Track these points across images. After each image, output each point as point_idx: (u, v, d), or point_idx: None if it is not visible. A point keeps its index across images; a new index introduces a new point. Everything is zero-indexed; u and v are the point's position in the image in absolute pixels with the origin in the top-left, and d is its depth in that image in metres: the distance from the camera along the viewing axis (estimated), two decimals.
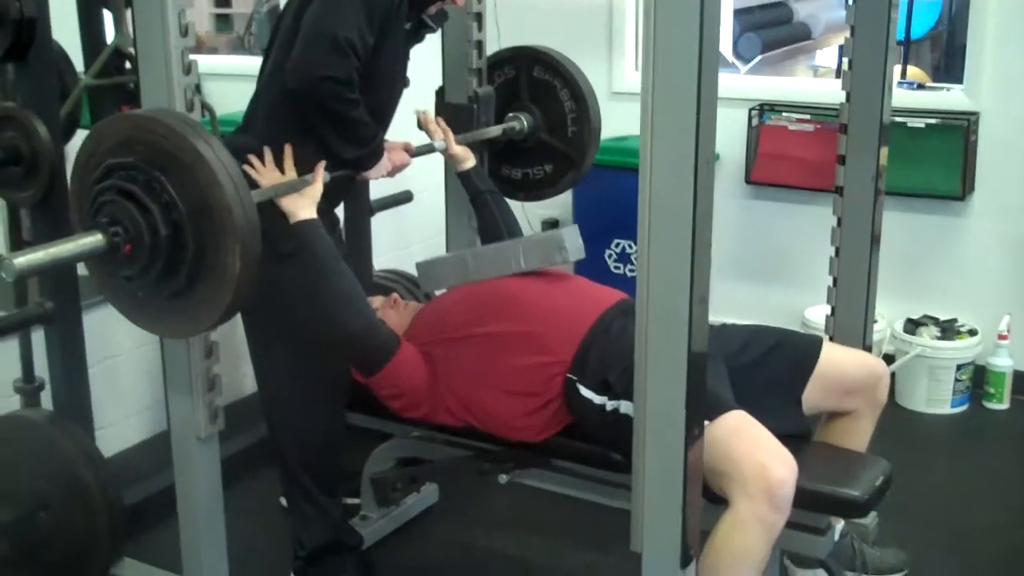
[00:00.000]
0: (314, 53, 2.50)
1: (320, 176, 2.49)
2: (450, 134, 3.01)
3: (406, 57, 2.82)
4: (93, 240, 2.04)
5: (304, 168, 2.52)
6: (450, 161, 3.05)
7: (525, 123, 3.29)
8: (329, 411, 2.80)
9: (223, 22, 6.20)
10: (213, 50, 5.87)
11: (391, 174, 2.84)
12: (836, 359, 2.57)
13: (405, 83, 2.92)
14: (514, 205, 3.67)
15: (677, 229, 1.88)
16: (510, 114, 3.30)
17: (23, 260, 1.95)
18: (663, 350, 1.93)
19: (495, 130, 3.24)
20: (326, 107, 2.56)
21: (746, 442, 2.19)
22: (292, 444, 2.80)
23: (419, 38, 2.85)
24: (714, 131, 1.88)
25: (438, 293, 2.95)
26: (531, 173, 3.37)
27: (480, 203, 3.01)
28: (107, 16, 3.84)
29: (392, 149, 2.82)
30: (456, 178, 3.11)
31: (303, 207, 2.44)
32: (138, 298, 2.13)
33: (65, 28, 3.66)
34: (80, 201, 2.13)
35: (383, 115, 2.76)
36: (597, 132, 3.29)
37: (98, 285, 2.21)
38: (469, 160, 3.02)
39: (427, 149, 2.99)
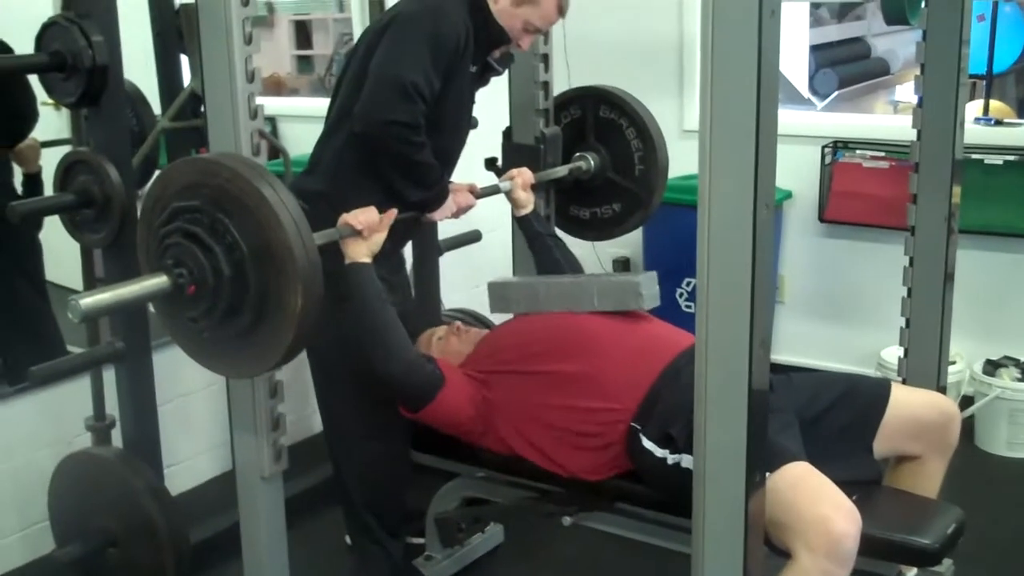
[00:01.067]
0: (381, 97, 2.53)
1: (387, 225, 2.50)
2: (522, 177, 3.01)
3: (471, 100, 2.84)
4: (158, 281, 2.08)
5: None
6: (511, 204, 3.05)
7: (592, 163, 3.28)
8: (394, 451, 2.81)
9: (304, 63, 6.29)
10: (294, 91, 5.95)
11: (456, 215, 2.86)
12: (905, 402, 2.51)
13: (472, 124, 2.93)
14: (585, 243, 3.67)
15: (737, 272, 1.84)
16: (577, 154, 3.30)
17: (89, 301, 1.99)
18: (723, 395, 1.90)
19: (562, 170, 3.24)
20: (392, 150, 2.58)
21: (808, 493, 2.14)
22: (357, 483, 2.81)
23: (484, 81, 2.87)
24: (774, 173, 1.84)
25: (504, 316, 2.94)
26: (599, 212, 3.36)
27: (539, 247, 3.01)
28: (184, 61, 3.93)
29: (457, 191, 2.84)
30: None
31: (360, 251, 2.46)
32: (203, 339, 2.17)
33: (144, 72, 3.76)
34: (147, 243, 2.17)
35: (448, 158, 2.78)
36: (664, 171, 3.28)
37: (165, 326, 2.24)
38: (529, 205, 3.02)
39: (492, 190, 3.00)
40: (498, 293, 2.86)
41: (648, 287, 2.67)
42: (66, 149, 2.86)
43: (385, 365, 2.50)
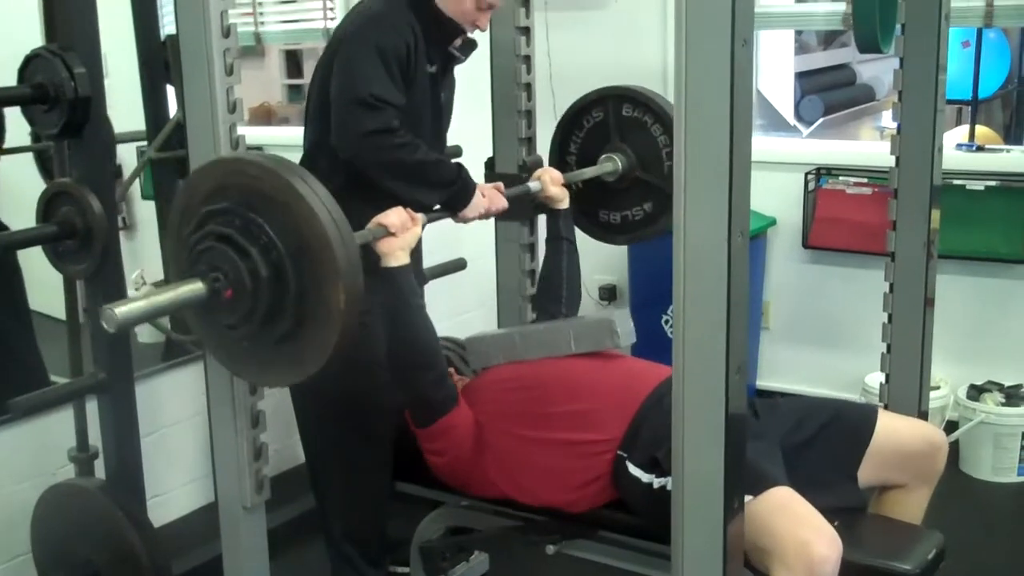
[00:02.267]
0: (348, 118, 2.53)
1: (420, 221, 2.48)
2: (550, 174, 3.00)
3: (441, 99, 2.82)
4: (193, 288, 1.97)
5: None
6: (546, 202, 3.00)
7: (619, 163, 3.17)
8: (374, 483, 2.80)
9: (295, 92, 6.33)
10: (284, 120, 5.98)
11: (485, 216, 2.81)
12: (892, 430, 2.52)
13: (456, 152, 2.93)
14: None
15: (713, 299, 1.85)
16: (603, 156, 3.20)
17: (124, 310, 1.89)
18: (701, 421, 1.90)
19: (590, 171, 3.16)
20: (384, 160, 2.56)
21: (789, 518, 2.14)
22: (337, 515, 2.80)
23: (449, 76, 2.86)
24: (747, 200, 1.85)
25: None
26: (630, 215, 3.25)
27: (555, 248, 2.98)
28: (171, 91, 3.95)
29: (489, 191, 2.81)
30: (506, 245, 3.12)
31: (395, 249, 2.42)
32: (243, 348, 2.06)
33: (131, 104, 3.79)
34: (178, 257, 2.07)
35: None
36: None
37: (200, 337, 2.18)
38: (565, 201, 3.00)
39: (522, 191, 2.97)
40: (477, 348, 2.83)
41: (623, 324, 2.66)
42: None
43: (422, 372, 2.47)
